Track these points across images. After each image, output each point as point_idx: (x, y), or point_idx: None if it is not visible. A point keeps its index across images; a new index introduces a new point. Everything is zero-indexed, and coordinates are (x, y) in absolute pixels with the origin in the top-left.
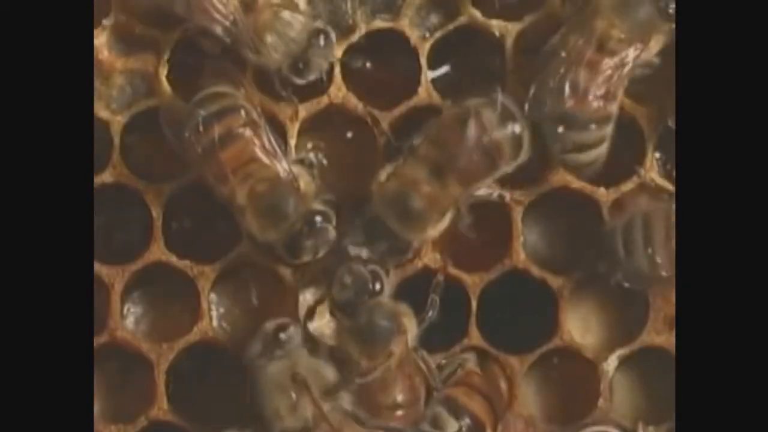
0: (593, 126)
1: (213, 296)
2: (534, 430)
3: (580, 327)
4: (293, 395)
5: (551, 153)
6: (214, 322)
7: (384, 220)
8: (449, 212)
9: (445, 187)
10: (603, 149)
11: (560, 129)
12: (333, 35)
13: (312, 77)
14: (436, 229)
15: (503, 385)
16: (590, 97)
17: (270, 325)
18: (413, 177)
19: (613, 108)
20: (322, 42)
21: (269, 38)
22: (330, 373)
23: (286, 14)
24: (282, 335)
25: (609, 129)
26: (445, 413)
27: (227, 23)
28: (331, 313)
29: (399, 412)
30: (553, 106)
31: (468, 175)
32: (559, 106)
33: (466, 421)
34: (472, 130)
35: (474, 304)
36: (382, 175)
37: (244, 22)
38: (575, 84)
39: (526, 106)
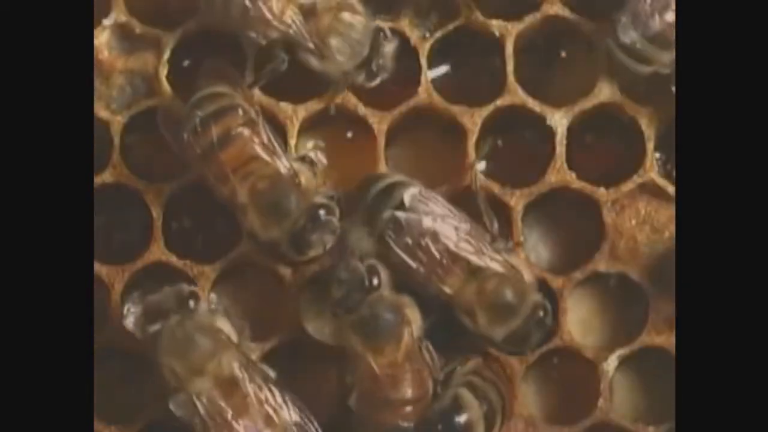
0: (663, 44)
1: (213, 296)
2: (534, 430)
3: (580, 327)
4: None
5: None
6: None
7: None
8: (512, 256)
9: (473, 257)
10: (650, 70)
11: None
12: (389, 33)
13: (383, 77)
14: (529, 269)
15: (505, 384)
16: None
17: (185, 288)
18: (473, 297)
19: None
20: (384, 40)
21: (333, 42)
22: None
23: (346, 16)
24: (191, 302)
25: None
26: (466, 391)
27: (288, 31)
28: (333, 312)
29: (408, 408)
30: (646, 26)
31: (462, 249)
32: (651, 26)
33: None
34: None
35: None
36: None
37: (306, 28)
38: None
39: (618, 28)
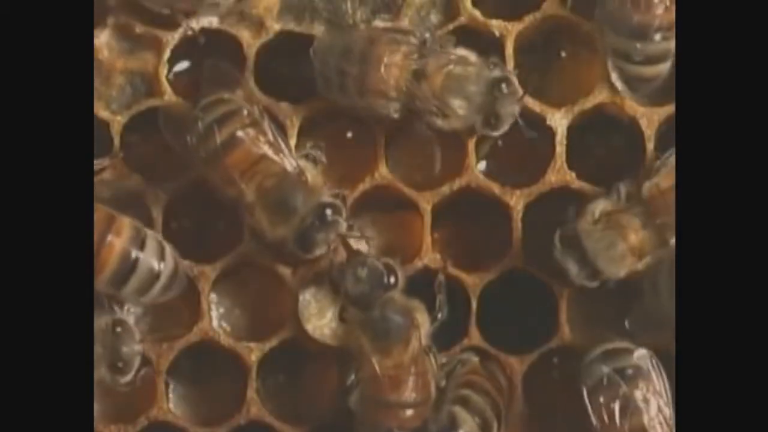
0: (658, 36)
1: (213, 296)
2: (534, 430)
3: (580, 327)
4: None
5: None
6: (214, 322)
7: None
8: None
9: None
10: (667, 66)
11: (627, 40)
12: (515, 80)
13: (504, 128)
14: None
15: (503, 384)
16: (655, 4)
17: None
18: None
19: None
20: (504, 90)
21: (452, 100)
22: None
23: (458, 69)
24: None
25: (672, 43)
26: (460, 408)
27: (403, 99)
28: (343, 308)
29: (409, 412)
30: (620, 16)
31: None
32: (626, 17)
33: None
34: None
35: (474, 304)
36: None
37: (421, 92)
38: None
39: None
